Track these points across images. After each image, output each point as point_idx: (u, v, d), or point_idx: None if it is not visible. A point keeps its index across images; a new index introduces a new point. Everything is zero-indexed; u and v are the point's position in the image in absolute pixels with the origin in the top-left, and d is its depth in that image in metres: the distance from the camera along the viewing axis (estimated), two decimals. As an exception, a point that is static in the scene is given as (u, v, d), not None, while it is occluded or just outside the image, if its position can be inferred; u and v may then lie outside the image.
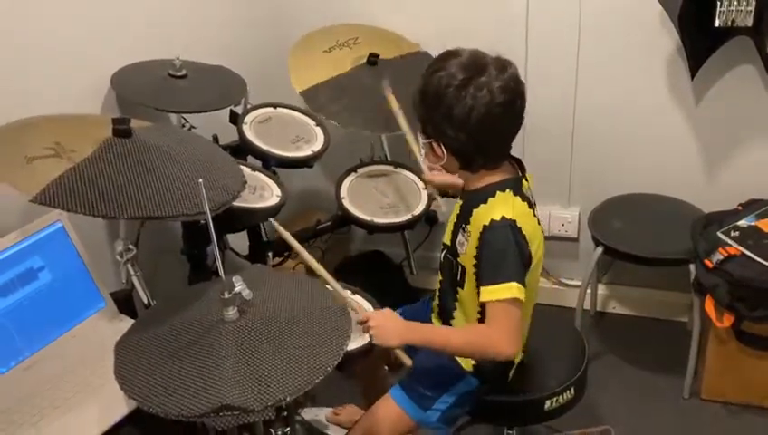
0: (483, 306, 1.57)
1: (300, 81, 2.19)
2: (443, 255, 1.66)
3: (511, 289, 1.42)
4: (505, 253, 1.44)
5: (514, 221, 1.45)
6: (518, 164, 1.57)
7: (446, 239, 1.64)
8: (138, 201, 1.37)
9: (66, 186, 1.36)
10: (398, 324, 1.52)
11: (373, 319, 1.51)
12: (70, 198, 1.34)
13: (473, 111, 1.40)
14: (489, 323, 1.46)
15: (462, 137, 1.44)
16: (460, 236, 1.56)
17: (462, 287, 1.59)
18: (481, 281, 1.46)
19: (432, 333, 1.58)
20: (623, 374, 2.40)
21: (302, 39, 2.33)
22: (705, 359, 2.22)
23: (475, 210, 1.51)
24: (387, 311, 1.56)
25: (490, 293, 1.44)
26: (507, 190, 1.49)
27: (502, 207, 1.47)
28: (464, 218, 1.55)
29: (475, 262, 1.51)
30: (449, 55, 1.46)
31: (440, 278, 1.68)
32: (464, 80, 1.40)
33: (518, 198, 1.49)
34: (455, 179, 1.76)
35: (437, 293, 1.71)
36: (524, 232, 1.46)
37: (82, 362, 1.51)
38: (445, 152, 1.49)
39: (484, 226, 1.46)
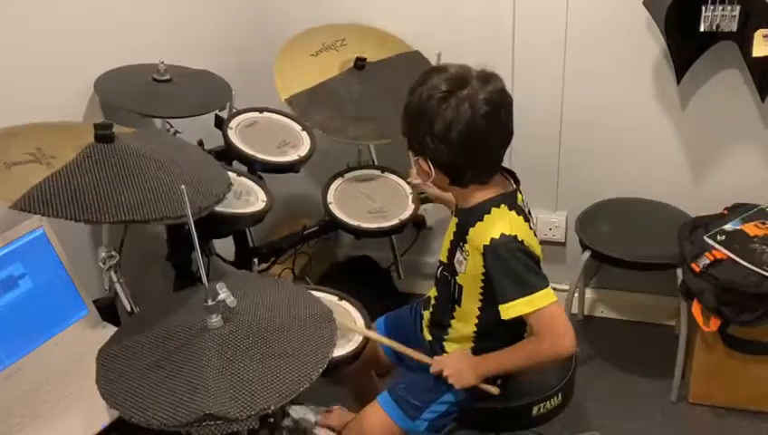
0: (479, 324, 1.58)
1: (285, 88, 2.16)
2: (439, 271, 1.65)
3: (548, 295, 1.43)
4: (520, 265, 1.43)
5: (515, 236, 1.44)
6: (511, 177, 1.56)
7: (443, 256, 1.62)
8: (120, 206, 1.35)
9: (48, 191, 1.33)
10: (469, 363, 1.55)
11: (447, 367, 1.54)
12: (52, 204, 1.32)
13: (453, 125, 1.38)
14: (541, 331, 1.45)
15: (444, 151, 1.42)
16: (458, 255, 1.55)
17: (459, 305, 1.59)
18: (509, 297, 1.44)
19: (498, 359, 1.55)
20: (611, 379, 2.40)
21: (287, 44, 2.31)
22: (693, 363, 2.23)
23: (471, 229, 1.49)
24: (454, 354, 1.60)
25: (528, 304, 1.42)
26: (502, 206, 1.48)
27: (499, 223, 1.46)
28: (461, 237, 1.54)
29: (483, 279, 1.50)
30: (434, 70, 1.45)
31: (435, 294, 1.68)
32: (445, 93, 1.39)
33: (513, 212, 1.48)
34: (447, 196, 1.74)
35: (431, 307, 1.70)
36: (526, 244, 1.46)
37: (64, 370, 1.49)
38: (432, 168, 1.47)
39: (485, 246, 1.45)
